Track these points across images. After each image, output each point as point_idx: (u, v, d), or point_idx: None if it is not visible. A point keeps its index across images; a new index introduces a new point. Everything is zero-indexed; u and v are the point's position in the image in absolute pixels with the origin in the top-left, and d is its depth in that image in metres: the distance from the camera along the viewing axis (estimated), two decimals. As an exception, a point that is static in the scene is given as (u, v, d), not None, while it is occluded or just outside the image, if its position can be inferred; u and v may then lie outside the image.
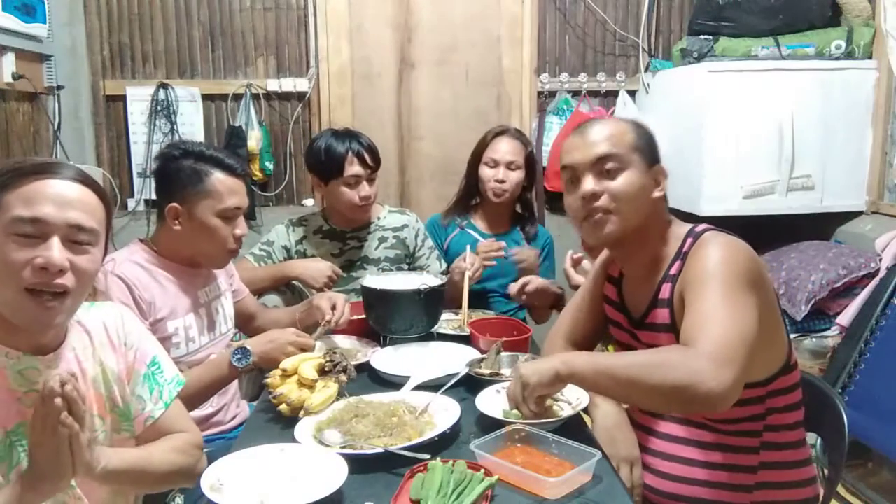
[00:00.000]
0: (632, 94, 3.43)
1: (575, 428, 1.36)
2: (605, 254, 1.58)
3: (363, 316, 1.90)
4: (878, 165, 2.94)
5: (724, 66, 2.89)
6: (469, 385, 1.56)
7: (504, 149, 2.37)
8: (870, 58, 2.94)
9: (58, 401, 0.95)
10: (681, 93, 3.08)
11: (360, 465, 1.20)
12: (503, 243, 2.26)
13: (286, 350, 1.60)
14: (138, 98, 3.26)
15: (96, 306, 1.23)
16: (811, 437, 1.44)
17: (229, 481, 1.15)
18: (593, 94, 3.45)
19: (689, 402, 1.11)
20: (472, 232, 2.46)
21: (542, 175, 3.34)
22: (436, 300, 1.85)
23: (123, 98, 3.27)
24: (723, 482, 1.33)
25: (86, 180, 1.09)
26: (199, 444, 1.29)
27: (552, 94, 3.45)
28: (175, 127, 3.25)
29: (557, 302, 2.17)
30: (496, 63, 3.44)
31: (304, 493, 1.09)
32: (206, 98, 3.31)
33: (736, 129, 2.86)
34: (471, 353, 1.74)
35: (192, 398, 1.52)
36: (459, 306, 2.07)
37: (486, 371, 1.60)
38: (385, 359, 1.74)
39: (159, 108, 3.24)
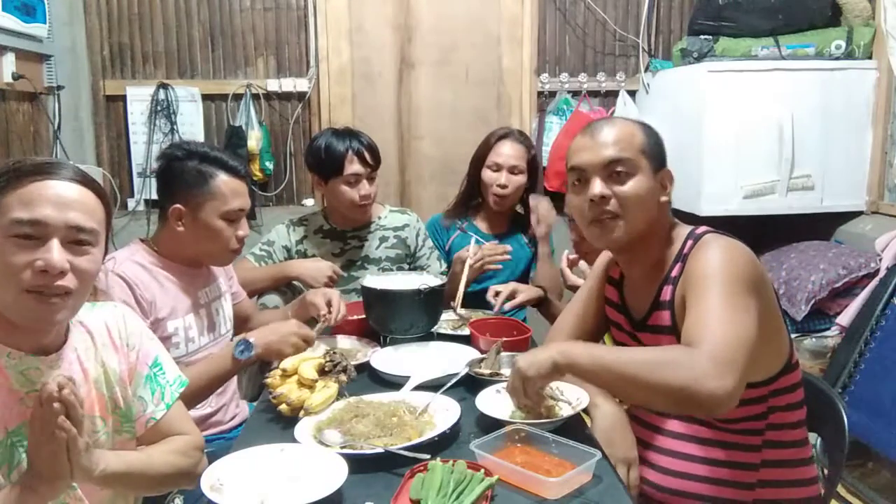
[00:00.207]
0: (632, 94, 3.43)
1: (575, 428, 1.36)
2: (605, 255, 1.58)
3: (363, 316, 1.90)
4: (878, 165, 2.93)
5: (724, 66, 2.89)
6: (469, 385, 1.56)
7: (507, 153, 2.36)
8: (870, 58, 2.93)
9: (56, 404, 0.95)
10: (681, 93, 3.08)
11: (360, 465, 1.20)
12: (508, 247, 2.25)
13: (291, 340, 1.59)
14: (138, 98, 3.26)
15: (98, 307, 1.23)
16: (811, 437, 1.44)
17: (229, 481, 1.15)
18: (593, 94, 3.44)
19: (689, 402, 1.11)
20: (472, 234, 2.45)
21: (542, 175, 3.33)
22: (436, 300, 1.85)
23: (123, 98, 3.28)
24: (724, 479, 1.33)
25: (85, 180, 1.08)
26: (200, 445, 1.29)
27: (552, 94, 3.45)
28: (175, 127, 3.24)
29: (540, 303, 2.17)
30: (496, 63, 3.43)
31: (304, 493, 1.09)
32: (206, 98, 3.31)
33: (736, 130, 2.86)
34: (471, 353, 1.73)
35: (195, 394, 1.51)
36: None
37: (486, 371, 1.59)
38: (385, 359, 1.73)
39: (159, 108, 3.24)
